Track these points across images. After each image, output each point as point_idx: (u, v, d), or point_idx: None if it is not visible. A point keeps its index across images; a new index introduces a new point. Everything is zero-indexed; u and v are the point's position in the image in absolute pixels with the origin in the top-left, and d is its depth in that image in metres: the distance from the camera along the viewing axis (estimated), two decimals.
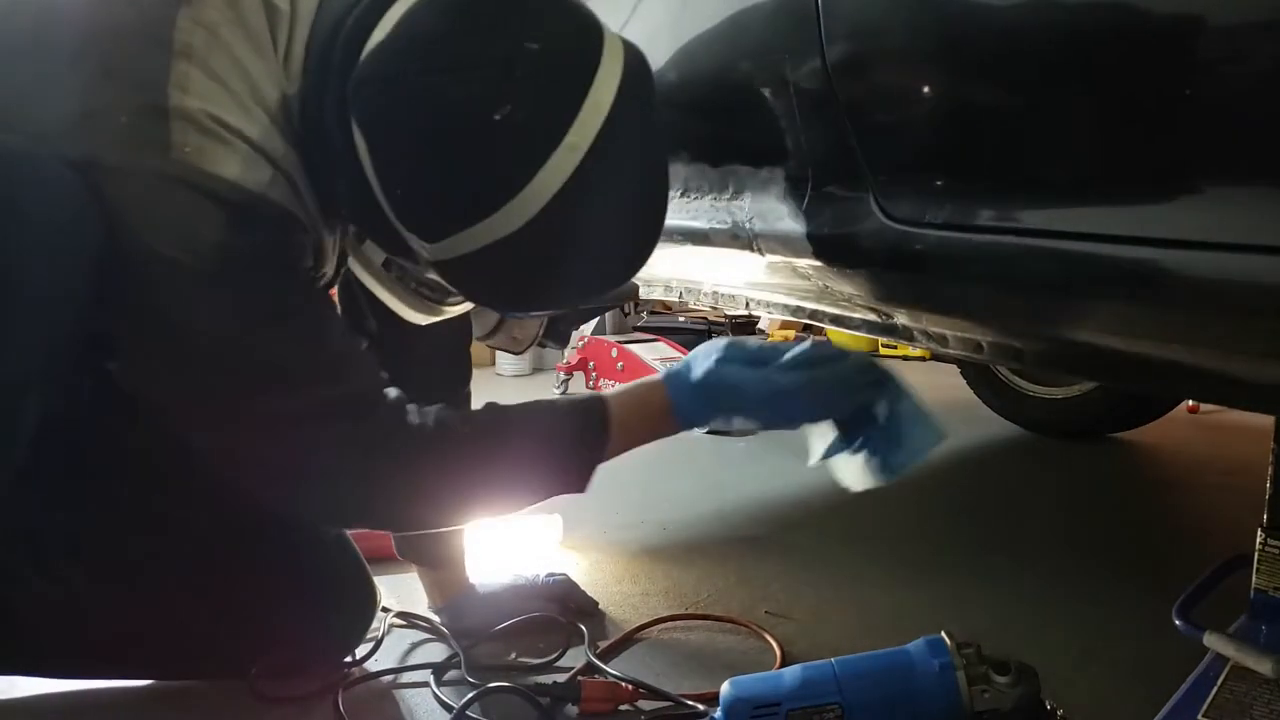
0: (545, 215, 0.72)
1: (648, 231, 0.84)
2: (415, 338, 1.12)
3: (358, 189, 0.77)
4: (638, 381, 0.92)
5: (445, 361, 1.17)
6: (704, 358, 0.88)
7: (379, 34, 0.74)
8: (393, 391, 0.83)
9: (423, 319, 0.92)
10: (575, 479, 0.88)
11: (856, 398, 0.88)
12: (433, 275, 0.81)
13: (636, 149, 0.78)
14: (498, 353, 3.18)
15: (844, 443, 0.89)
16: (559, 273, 0.78)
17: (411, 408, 0.83)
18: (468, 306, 0.94)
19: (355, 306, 1.13)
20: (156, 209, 0.72)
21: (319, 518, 0.92)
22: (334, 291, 1.18)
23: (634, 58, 0.77)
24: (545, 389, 2.99)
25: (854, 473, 0.89)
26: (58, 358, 0.73)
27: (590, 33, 0.76)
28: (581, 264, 0.79)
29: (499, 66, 0.71)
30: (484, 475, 0.85)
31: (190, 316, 0.74)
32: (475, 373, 1.22)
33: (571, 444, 0.87)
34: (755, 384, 0.86)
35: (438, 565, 1.16)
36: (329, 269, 0.93)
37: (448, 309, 0.92)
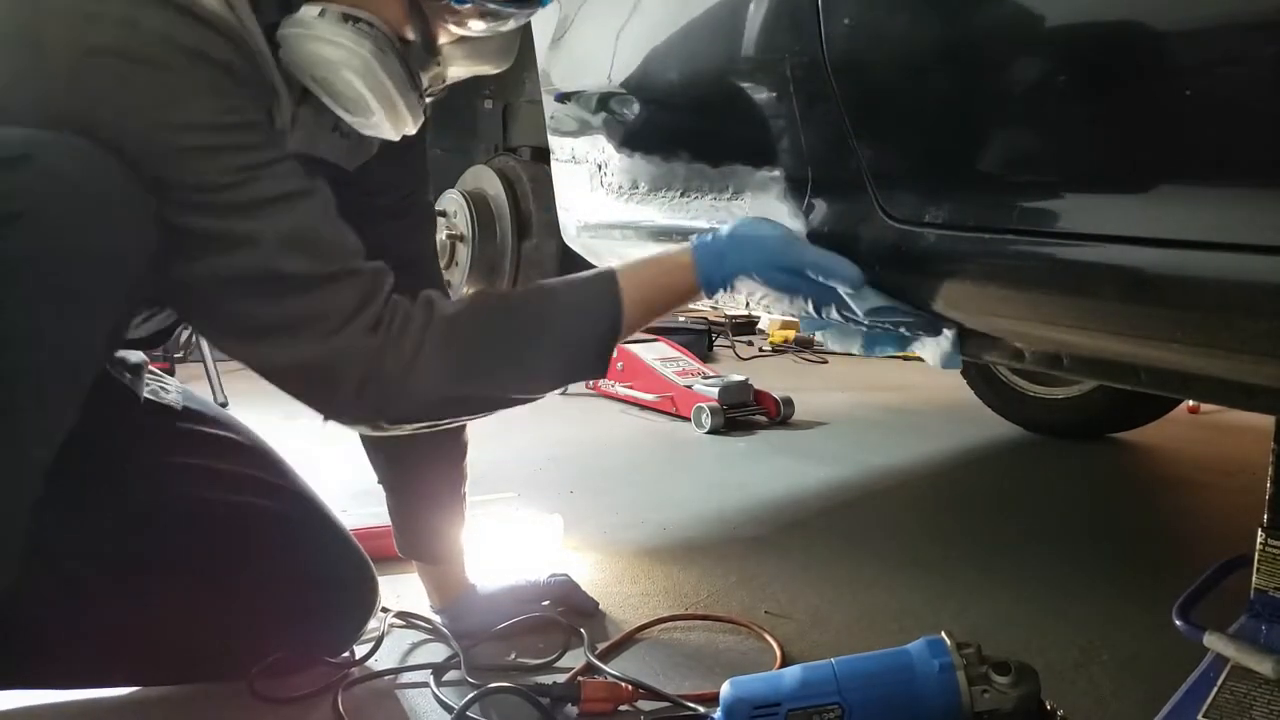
0: None
1: None
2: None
3: None
4: (661, 252, 0.96)
5: None
6: (735, 223, 0.96)
7: None
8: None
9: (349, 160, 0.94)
10: (595, 362, 0.90)
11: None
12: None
13: None
14: None
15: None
16: None
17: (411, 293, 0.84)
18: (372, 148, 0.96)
19: None
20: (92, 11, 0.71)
21: (340, 401, 0.84)
22: None
23: None
24: None
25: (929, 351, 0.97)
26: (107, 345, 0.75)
27: None
28: None
29: None
30: (499, 356, 0.86)
31: (176, 125, 0.73)
32: None
33: (587, 323, 0.90)
34: (777, 238, 0.94)
35: (438, 562, 1.16)
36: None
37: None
